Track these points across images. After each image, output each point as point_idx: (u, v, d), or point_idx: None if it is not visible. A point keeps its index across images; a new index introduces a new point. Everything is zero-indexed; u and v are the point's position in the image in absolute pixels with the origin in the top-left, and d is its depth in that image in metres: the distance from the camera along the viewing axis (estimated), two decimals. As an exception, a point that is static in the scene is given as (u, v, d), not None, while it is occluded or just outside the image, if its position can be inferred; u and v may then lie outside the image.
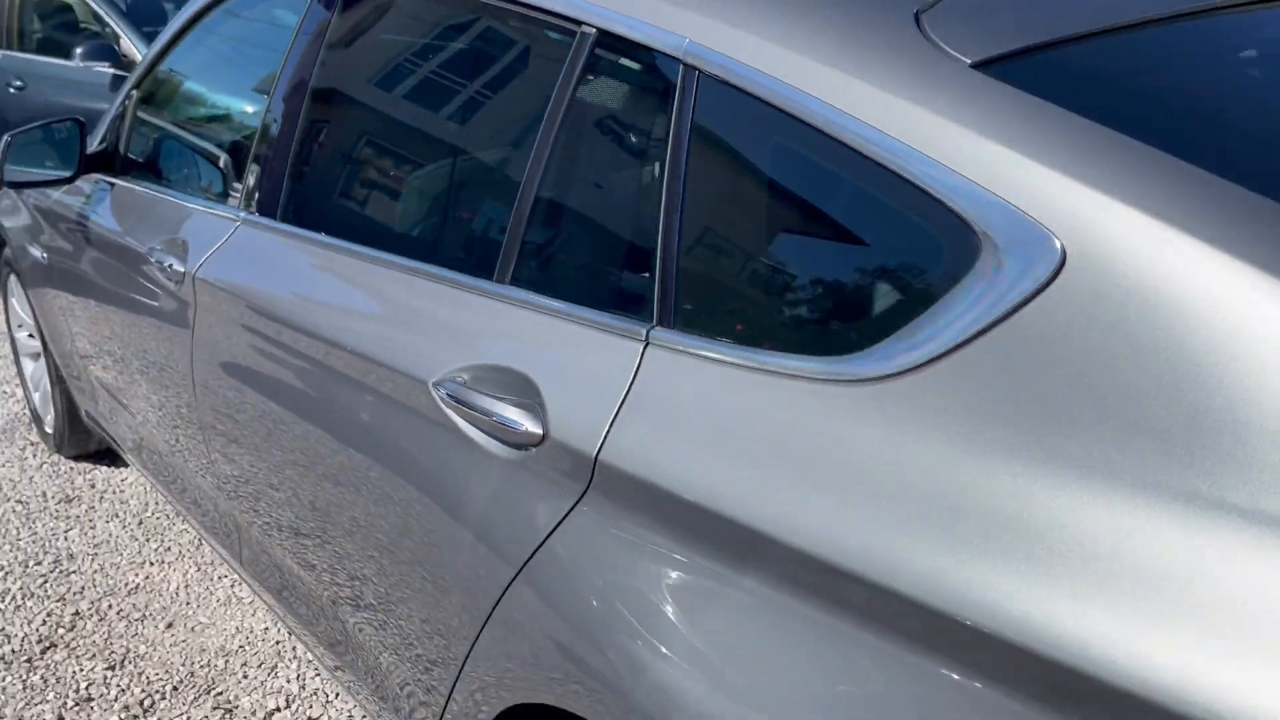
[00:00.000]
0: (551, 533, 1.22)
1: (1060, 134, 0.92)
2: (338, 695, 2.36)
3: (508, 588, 1.27)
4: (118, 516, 3.12)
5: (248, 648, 2.53)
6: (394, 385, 1.46)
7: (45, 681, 2.41)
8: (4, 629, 2.60)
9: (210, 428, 2.06)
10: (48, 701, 2.35)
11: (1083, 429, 0.84)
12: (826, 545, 0.95)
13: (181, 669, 2.46)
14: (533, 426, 1.24)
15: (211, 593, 2.75)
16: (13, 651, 2.51)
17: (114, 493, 3.26)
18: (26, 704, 2.34)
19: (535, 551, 1.24)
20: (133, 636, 2.57)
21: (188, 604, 2.71)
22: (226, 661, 2.48)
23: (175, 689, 2.39)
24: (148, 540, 3.00)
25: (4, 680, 2.41)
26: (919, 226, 0.99)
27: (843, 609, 0.94)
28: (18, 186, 2.60)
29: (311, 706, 2.33)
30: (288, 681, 2.41)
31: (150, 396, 2.36)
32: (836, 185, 1.07)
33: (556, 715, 1.28)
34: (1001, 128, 0.94)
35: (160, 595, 2.74)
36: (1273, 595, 0.72)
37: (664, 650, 1.07)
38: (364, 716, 2.27)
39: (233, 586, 2.78)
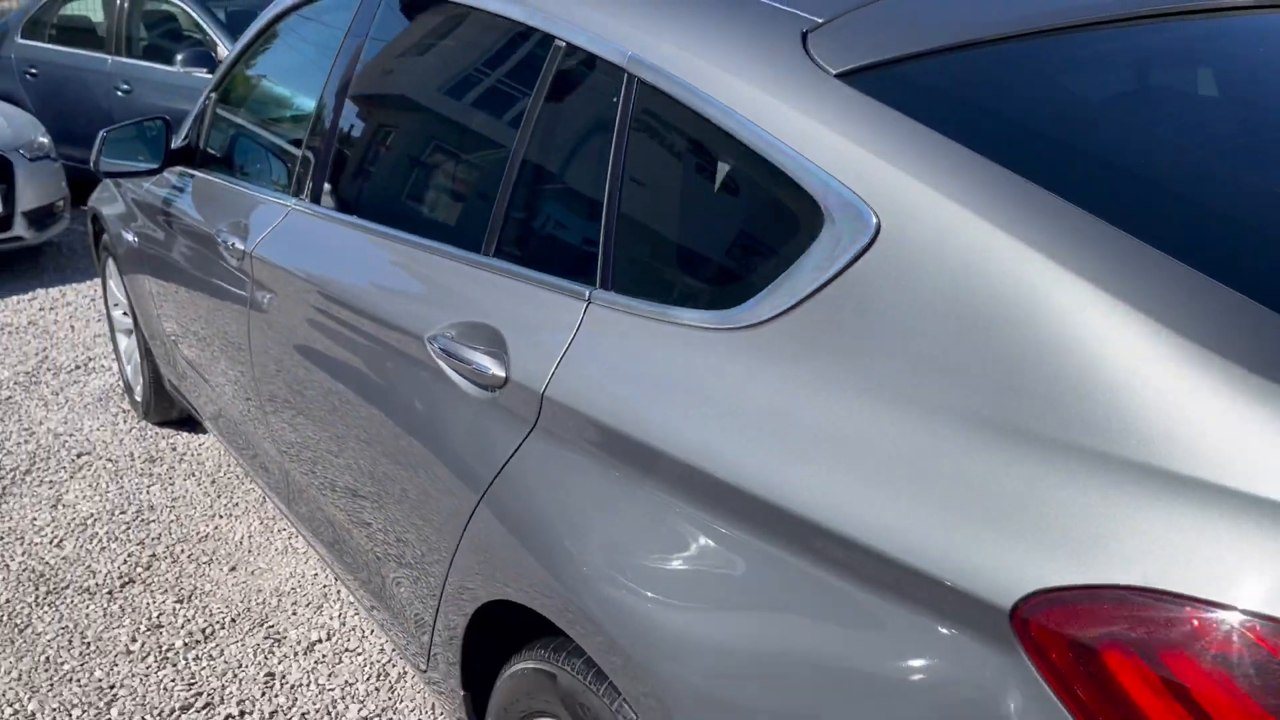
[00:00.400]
0: (510, 458, 1.48)
1: (889, 131, 1.15)
2: (372, 632, 2.65)
3: (476, 506, 1.54)
4: (194, 475, 3.48)
5: (298, 590, 2.84)
6: (399, 340, 1.74)
7: (122, 610, 2.75)
8: (90, 566, 2.95)
9: (268, 395, 2.37)
10: (123, 627, 2.69)
11: (890, 362, 1.06)
12: (706, 459, 1.18)
13: (240, 605, 2.78)
14: (498, 370, 1.49)
15: (271, 542, 3.08)
16: (96, 584, 2.87)
17: (192, 455, 3.62)
18: (105, 628, 2.68)
19: (497, 474, 1.50)
20: (200, 576, 2.91)
21: (250, 551, 3.03)
22: (279, 600, 2.80)
23: (233, 620, 2.71)
24: (219, 496, 3.34)
25: (88, 608, 2.76)
26: (782, 203, 1.22)
27: (715, 508, 1.17)
28: (111, 176, 2.95)
29: (349, 640, 2.63)
30: (330, 619, 2.71)
31: (224, 369, 2.68)
32: (727, 171, 1.31)
33: (517, 609, 1.54)
34: (845, 124, 1.17)
35: (226, 543, 3.07)
36: (1014, 488, 0.93)
37: (587, 546, 1.32)
38: (392, 649, 2.56)
39: (289, 538, 3.10)
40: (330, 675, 2.50)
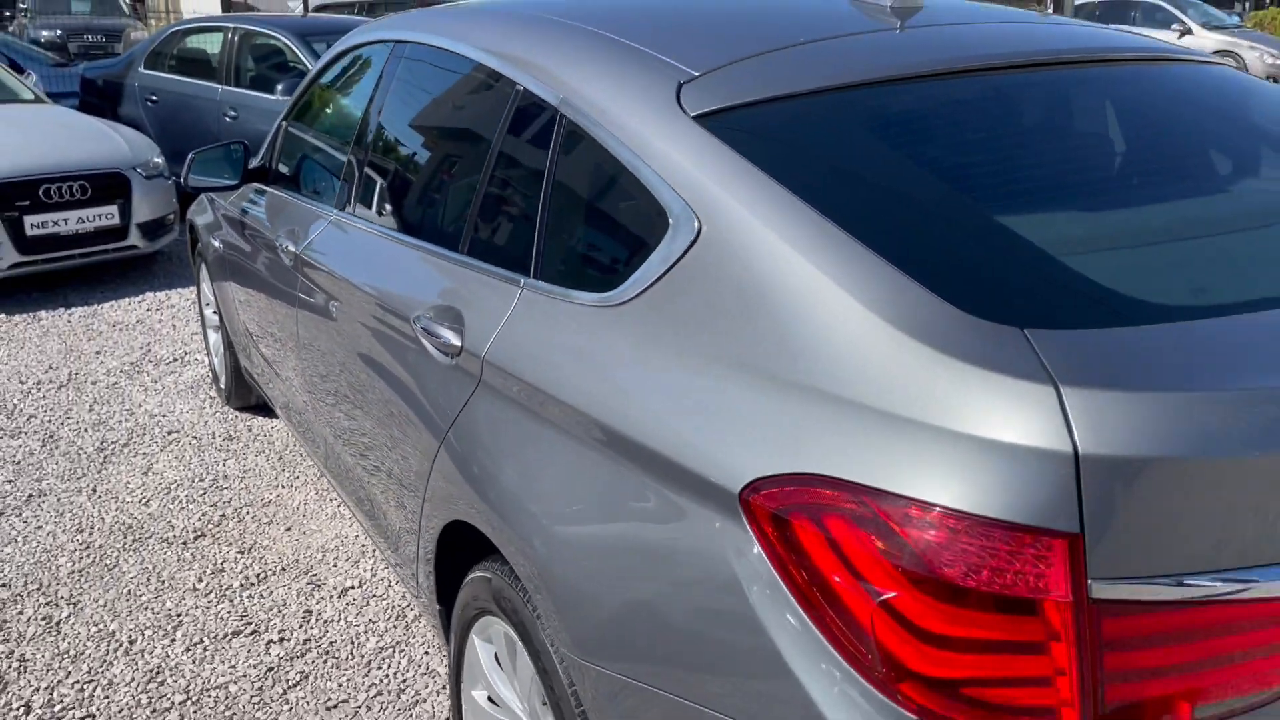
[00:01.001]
0: (461, 409, 1.89)
1: (716, 159, 1.53)
2: (397, 582, 3.09)
3: (439, 449, 1.96)
4: (263, 452, 3.99)
5: (340, 548, 3.31)
6: (398, 322, 2.17)
7: (193, 557, 3.25)
8: (170, 521, 3.47)
9: (317, 384, 2.83)
10: (192, 570, 3.18)
11: (697, 327, 1.44)
12: (584, 400, 1.57)
13: (290, 557, 3.25)
14: (456, 341, 1.91)
15: (323, 509, 3.55)
16: (174, 536, 3.37)
17: (264, 435, 4.14)
18: (177, 570, 3.18)
19: (452, 423, 1.91)
20: (260, 534, 3.39)
21: (304, 516, 3.51)
22: (324, 555, 3.26)
23: (283, 569, 3.18)
24: (283, 470, 3.84)
25: (165, 554, 3.27)
26: (647, 212, 1.61)
27: (587, 439, 1.57)
28: (197, 190, 3.48)
29: (377, 588, 3.07)
30: (364, 571, 3.16)
31: (289, 361, 3.16)
32: (616, 187, 1.70)
33: (472, 532, 1.95)
34: (689, 153, 1.56)
35: (285, 508, 3.56)
36: (757, 410, 1.30)
37: (505, 474, 1.72)
38: (406, 591, 2.99)
39: (338, 506, 3.57)
40: (358, 614, 2.95)
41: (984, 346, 1.18)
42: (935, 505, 1.13)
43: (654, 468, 1.42)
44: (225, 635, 2.85)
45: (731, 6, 2.11)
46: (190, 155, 3.33)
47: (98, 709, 2.56)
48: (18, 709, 2.56)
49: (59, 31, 17.89)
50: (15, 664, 2.73)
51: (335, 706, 2.58)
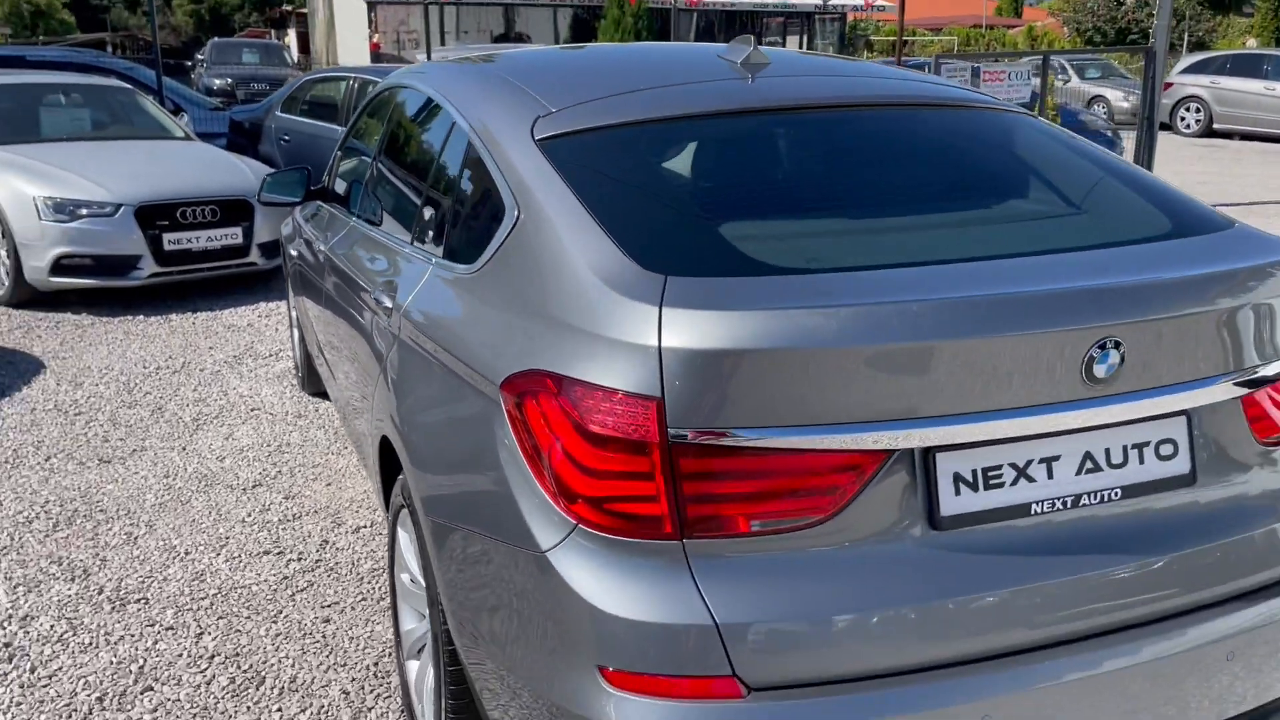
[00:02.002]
0: (389, 353, 2.57)
1: (538, 170, 2.16)
2: (400, 524, 3.78)
3: (378, 382, 2.63)
4: (323, 427, 4.77)
5: (365, 500, 4.02)
6: (369, 297, 2.87)
7: (249, 499, 4.02)
8: (237, 474, 4.26)
9: (335, 351, 3.56)
10: (244, 508, 3.94)
11: (511, 288, 2.07)
12: (453, 343, 2.22)
13: (323, 504, 3.98)
14: (389, 304, 2.59)
15: (360, 471, 4.29)
16: (237, 484, 4.16)
17: (326, 414, 4.92)
18: (233, 508, 3.95)
19: (384, 362, 2.59)
20: (304, 486, 4.14)
21: (343, 475, 4.25)
22: (350, 503, 3.98)
23: (315, 512, 3.92)
24: (335, 441, 4.60)
25: (227, 497, 4.04)
26: (497, 206, 2.25)
27: (443, 364, 2.21)
28: (267, 205, 4.30)
29: (383, 528, 3.77)
30: (377, 516, 3.87)
31: (327, 341, 3.91)
32: (487, 191, 2.35)
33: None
34: (525, 166, 2.19)
35: (329, 470, 4.31)
36: (526, 334, 1.92)
37: (406, 397, 2.38)
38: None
39: (371, 469, 4.30)
40: (363, 546, 3.64)
41: (639, 286, 1.77)
42: (591, 383, 1.73)
43: (468, 375, 2.05)
44: (258, 553, 3.59)
45: (619, 64, 2.76)
46: (264, 177, 4.15)
47: (152, 595, 3.31)
48: (94, 590, 3.34)
49: (229, 80, 19.81)
50: (99, 562, 3.52)
51: (328, 605, 3.26)
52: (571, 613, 1.73)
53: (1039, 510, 1.82)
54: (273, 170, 4.21)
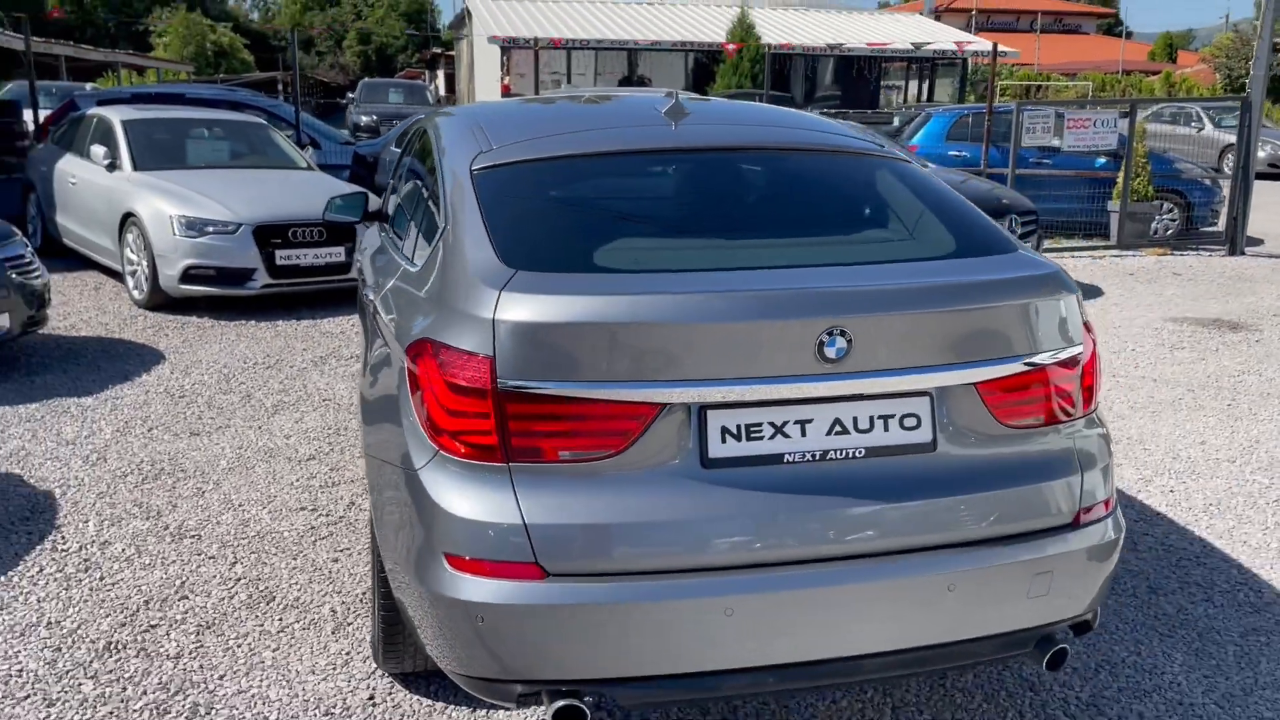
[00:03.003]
0: (369, 334, 3.26)
1: (463, 191, 2.80)
2: (416, 493, 4.48)
3: (365, 355, 3.33)
4: (377, 416, 5.54)
5: (395, 473, 4.74)
6: (370, 298, 3.57)
7: (300, 469, 4.79)
8: (297, 449, 5.04)
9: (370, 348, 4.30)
10: (296, 476, 4.71)
11: (435, 278, 2.73)
12: (391, 320, 2.89)
13: (360, 476, 4.71)
14: (374, 297, 3.29)
15: (397, 452, 5.02)
16: (295, 457, 4.93)
17: (382, 406, 5.70)
18: (286, 474, 4.71)
19: (368, 341, 3.28)
20: (349, 463, 4.89)
21: (383, 455, 4.99)
22: (381, 477, 4.70)
23: (352, 481, 4.65)
24: (384, 428, 5.36)
25: (284, 466, 4.82)
26: (438, 218, 2.91)
27: (389, 335, 2.88)
28: (330, 224, 5.09)
29: (403, 496, 4.46)
30: (400, 487, 4.57)
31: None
32: (439, 210, 3.01)
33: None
34: (458, 188, 2.84)
35: (373, 450, 5.05)
36: (413, 308, 2.58)
37: (363, 369, 3.07)
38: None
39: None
40: (382, 508, 4.35)
41: (494, 276, 2.39)
42: (452, 346, 2.35)
43: (393, 347, 2.71)
44: (295, 509, 4.34)
45: (568, 113, 3.40)
46: (329, 199, 4.95)
47: (205, 534, 4.09)
48: (160, 527, 4.13)
49: (374, 116, 21.35)
50: (170, 507, 4.33)
51: (340, 550, 3.97)
52: (429, 515, 2.36)
53: (791, 459, 2.35)
54: (337, 194, 4.99)
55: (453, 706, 2.95)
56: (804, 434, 2.37)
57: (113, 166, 8.49)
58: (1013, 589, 2.44)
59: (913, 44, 24.55)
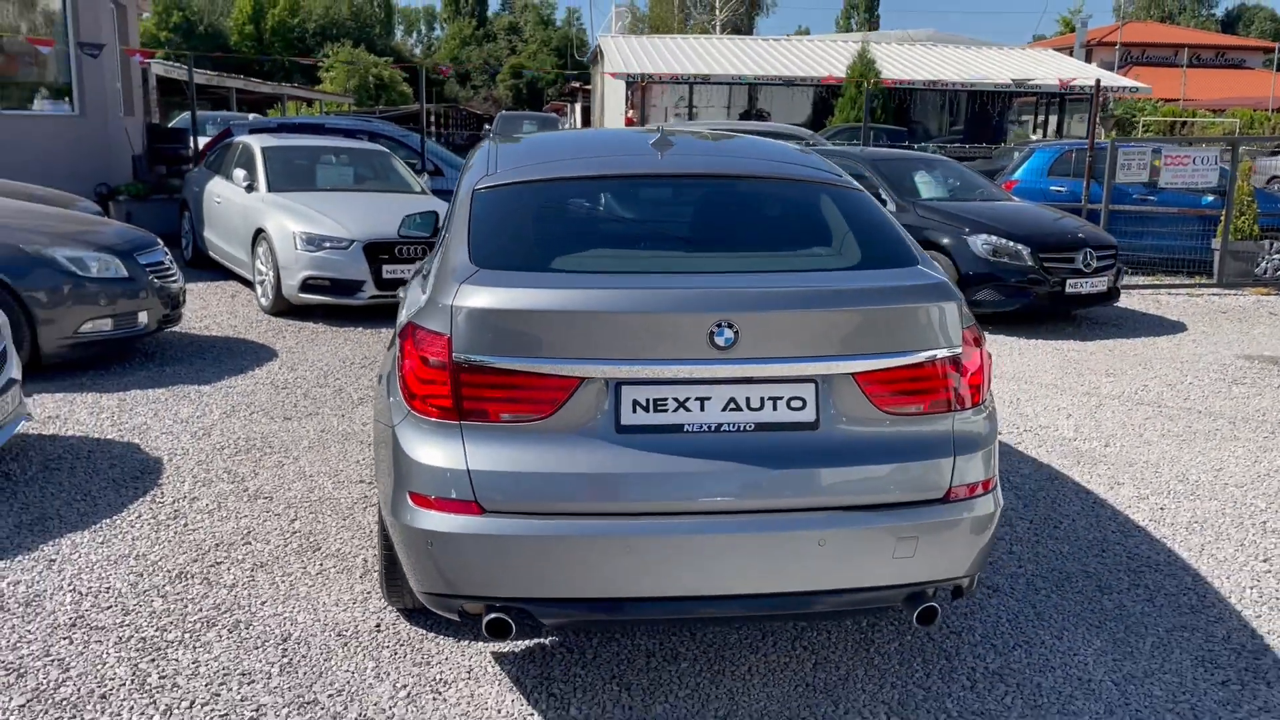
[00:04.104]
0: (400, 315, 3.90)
1: (465, 204, 3.41)
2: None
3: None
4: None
5: (447, 458, 5.39)
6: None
7: (369, 450, 5.48)
8: (368, 433, 5.75)
9: None
10: (363, 454, 5.40)
11: (436, 272, 3.35)
12: (407, 302, 3.52)
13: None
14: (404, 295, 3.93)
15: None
16: (365, 440, 5.64)
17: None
18: (355, 454, 5.42)
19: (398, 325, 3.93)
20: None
21: (442, 443, 5.65)
22: (436, 460, 5.36)
23: (409, 462, 5.31)
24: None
25: (355, 447, 5.53)
26: (443, 228, 3.52)
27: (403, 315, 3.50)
28: (405, 239, 5.79)
29: (449, 477, 5.10)
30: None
31: None
32: (446, 221, 3.62)
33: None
34: (462, 202, 3.45)
35: (435, 438, 5.73)
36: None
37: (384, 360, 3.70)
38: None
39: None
40: (428, 485, 4.99)
41: (461, 272, 2.98)
42: (424, 327, 2.94)
43: (396, 328, 3.32)
44: (355, 481, 5.02)
45: (573, 143, 3.98)
46: (403, 216, 5.66)
47: (276, 496, 4.80)
48: (241, 490, 4.87)
49: (508, 146, 22.50)
50: (252, 475, 5.07)
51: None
52: (400, 460, 2.95)
53: (690, 429, 2.85)
54: (410, 213, 5.70)
55: (441, 637, 3.53)
56: (703, 409, 2.86)
57: (250, 188, 9.53)
58: (878, 550, 2.86)
59: (1013, 80, 24.26)
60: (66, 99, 13.03)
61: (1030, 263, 8.92)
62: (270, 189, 9.43)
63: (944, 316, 2.98)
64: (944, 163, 11.01)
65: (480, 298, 2.86)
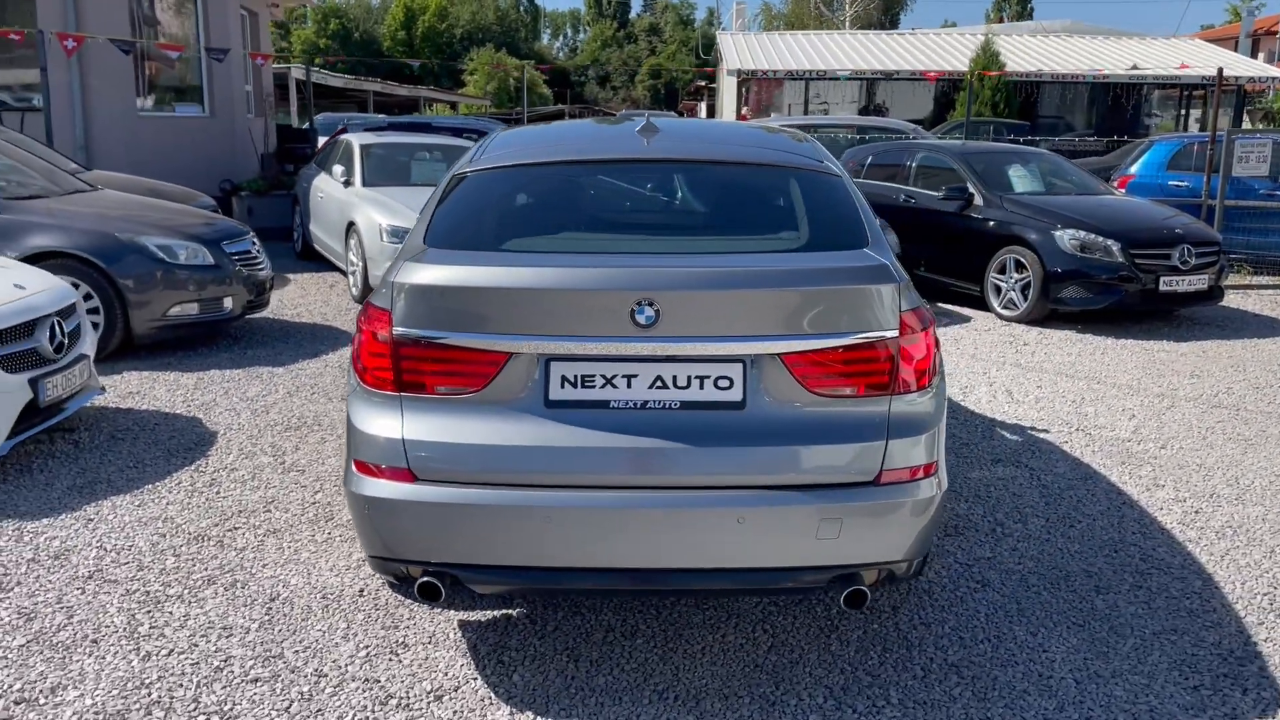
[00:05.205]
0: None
1: (440, 194, 3.56)
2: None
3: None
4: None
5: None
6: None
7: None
8: (415, 416, 5.97)
9: None
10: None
11: (404, 254, 3.50)
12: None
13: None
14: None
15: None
16: (409, 421, 5.87)
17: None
18: (396, 434, 5.65)
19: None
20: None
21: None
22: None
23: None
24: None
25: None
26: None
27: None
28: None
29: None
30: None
31: None
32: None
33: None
34: (439, 191, 3.60)
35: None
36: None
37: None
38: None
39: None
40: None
41: (411, 252, 3.12)
42: (374, 304, 3.09)
43: None
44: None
45: (562, 134, 4.07)
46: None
47: (309, 470, 5.06)
48: (279, 462, 5.16)
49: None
50: (293, 449, 5.35)
51: (403, 491, 4.81)
52: (350, 431, 3.11)
53: (616, 405, 2.91)
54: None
55: (416, 604, 3.68)
56: (629, 386, 2.92)
57: (347, 183, 9.98)
58: (799, 530, 2.86)
59: (1132, 68, 22.89)
60: (197, 101, 13.88)
61: (1120, 259, 8.55)
62: (364, 184, 9.84)
63: (879, 299, 2.95)
64: (1043, 156, 10.63)
65: (418, 274, 2.99)
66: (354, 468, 3.06)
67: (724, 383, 2.92)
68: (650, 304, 2.85)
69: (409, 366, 3.00)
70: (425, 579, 2.95)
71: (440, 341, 2.96)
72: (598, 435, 2.90)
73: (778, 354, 2.91)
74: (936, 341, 3.11)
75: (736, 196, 3.55)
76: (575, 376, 2.93)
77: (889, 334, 2.95)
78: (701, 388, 2.92)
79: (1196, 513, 4.68)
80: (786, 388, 2.93)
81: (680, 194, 3.57)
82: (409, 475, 2.96)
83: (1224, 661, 3.38)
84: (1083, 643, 3.48)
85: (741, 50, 24.89)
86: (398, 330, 2.99)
